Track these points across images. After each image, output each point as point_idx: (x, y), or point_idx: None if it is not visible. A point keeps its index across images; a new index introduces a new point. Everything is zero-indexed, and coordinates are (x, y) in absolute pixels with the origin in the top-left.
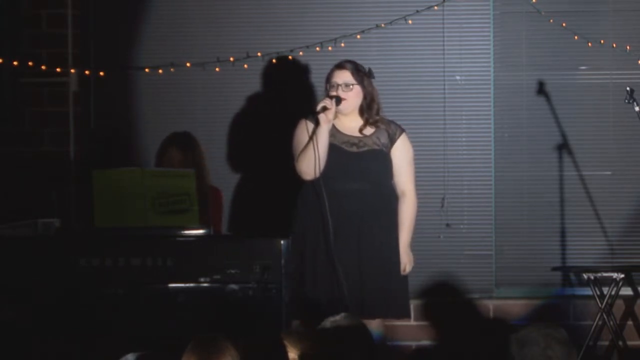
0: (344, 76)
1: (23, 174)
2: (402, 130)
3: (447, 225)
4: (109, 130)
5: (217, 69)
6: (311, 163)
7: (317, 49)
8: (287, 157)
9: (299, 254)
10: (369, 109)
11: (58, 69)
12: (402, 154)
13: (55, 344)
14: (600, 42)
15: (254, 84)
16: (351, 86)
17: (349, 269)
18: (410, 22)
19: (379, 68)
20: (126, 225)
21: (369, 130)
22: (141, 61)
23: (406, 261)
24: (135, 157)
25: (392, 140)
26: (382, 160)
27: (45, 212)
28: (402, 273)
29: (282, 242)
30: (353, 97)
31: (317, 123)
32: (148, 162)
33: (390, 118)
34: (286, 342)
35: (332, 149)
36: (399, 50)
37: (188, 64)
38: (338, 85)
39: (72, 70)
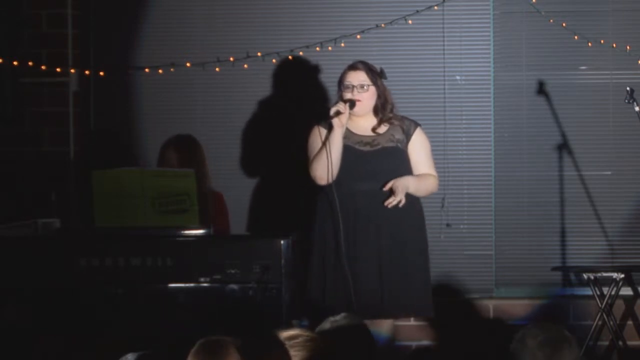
0: (359, 77)
1: (23, 174)
2: (417, 125)
3: (447, 225)
4: (109, 130)
5: (217, 69)
6: (325, 168)
7: (317, 49)
8: (289, 156)
9: (321, 258)
10: (383, 109)
11: (58, 69)
12: (420, 148)
13: (56, 343)
14: (600, 42)
15: (254, 84)
16: (366, 87)
17: (369, 270)
18: (410, 22)
19: None
20: (126, 225)
21: (382, 128)
22: (141, 61)
23: (394, 183)
24: (135, 157)
25: (407, 136)
26: (396, 158)
27: (45, 212)
28: (385, 188)
29: (282, 242)
30: (368, 98)
31: (330, 127)
32: (148, 162)
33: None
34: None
35: (345, 149)
36: (399, 50)
37: (188, 64)
38: (353, 86)
39: (72, 70)
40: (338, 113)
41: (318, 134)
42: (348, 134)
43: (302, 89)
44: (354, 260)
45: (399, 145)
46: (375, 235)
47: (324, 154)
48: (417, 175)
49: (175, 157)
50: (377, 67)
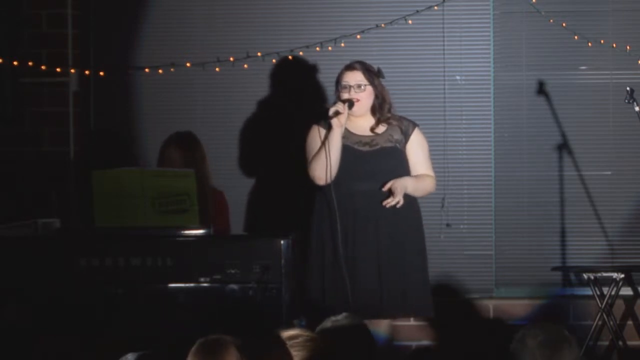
0: (356, 77)
1: (23, 174)
2: (415, 125)
3: (447, 225)
4: (109, 130)
5: (217, 69)
6: (324, 168)
7: (317, 49)
8: (288, 156)
9: (320, 258)
10: (380, 109)
11: (58, 69)
12: (418, 148)
13: (56, 343)
14: (600, 42)
15: (254, 84)
16: (363, 87)
17: (368, 270)
18: (410, 22)
19: None
20: (126, 225)
21: (380, 129)
22: (141, 61)
23: (393, 184)
24: (135, 157)
25: (406, 136)
26: (395, 158)
27: (45, 212)
28: (385, 189)
29: (282, 242)
30: (365, 97)
31: (329, 127)
32: (148, 162)
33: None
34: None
35: (344, 149)
36: (399, 50)
37: (188, 64)
38: (350, 86)
39: (72, 70)
40: (337, 113)
41: (317, 134)
42: (347, 134)
43: (302, 89)
44: (353, 260)
45: (397, 145)
46: (374, 235)
47: (323, 153)
48: (416, 176)
49: (177, 155)
50: (375, 66)
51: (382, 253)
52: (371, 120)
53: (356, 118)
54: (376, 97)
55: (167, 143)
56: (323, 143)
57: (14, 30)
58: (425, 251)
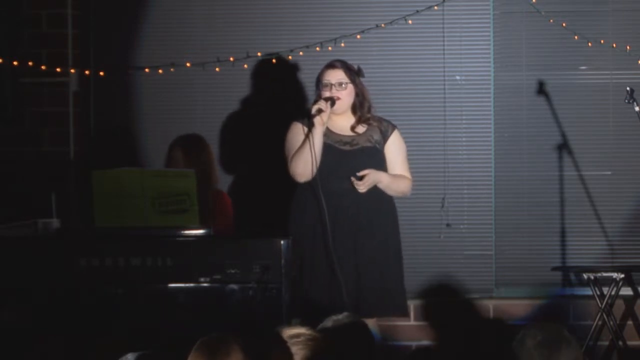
0: (337, 75)
1: (23, 174)
2: (394, 127)
3: (447, 225)
4: (109, 130)
5: (217, 69)
6: (307, 165)
7: (317, 49)
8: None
9: (298, 257)
10: (361, 107)
11: (58, 69)
12: (396, 149)
13: (56, 343)
14: (600, 42)
15: (254, 84)
16: (344, 85)
17: (347, 269)
18: (410, 22)
19: (379, 68)
20: (126, 225)
21: (361, 129)
22: (141, 61)
23: (370, 174)
24: (135, 157)
25: (385, 137)
26: (375, 157)
27: (45, 212)
28: (360, 174)
29: (282, 242)
30: (346, 95)
31: (311, 125)
32: (148, 162)
33: (390, 118)
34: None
35: (325, 148)
36: (399, 50)
37: (188, 64)
38: (332, 84)
39: (72, 70)
40: (320, 111)
41: (299, 130)
42: (328, 133)
43: (302, 89)
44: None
45: (377, 145)
46: (353, 234)
47: (305, 151)
48: (393, 175)
49: (182, 157)
50: (355, 65)
51: (361, 252)
52: (351, 119)
53: (337, 117)
54: (357, 95)
55: (172, 144)
56: (307, 137)
57: (14, 30)
58: (401, 251)
